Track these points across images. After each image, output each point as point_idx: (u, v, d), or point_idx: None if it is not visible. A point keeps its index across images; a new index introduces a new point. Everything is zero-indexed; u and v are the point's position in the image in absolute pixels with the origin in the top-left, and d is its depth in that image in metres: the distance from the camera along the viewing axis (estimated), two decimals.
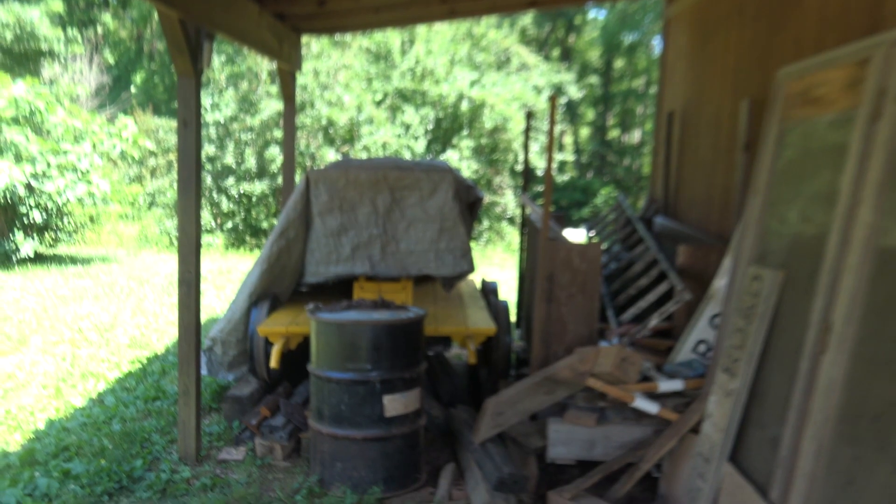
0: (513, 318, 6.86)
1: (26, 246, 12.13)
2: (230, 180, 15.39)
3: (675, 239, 5.34)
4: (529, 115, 6.84)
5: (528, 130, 6.56)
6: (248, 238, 16.03)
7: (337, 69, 15.76)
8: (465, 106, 16.30)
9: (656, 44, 23.70)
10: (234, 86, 15.81)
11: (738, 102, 4.55)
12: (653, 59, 23.90)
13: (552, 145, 4.06)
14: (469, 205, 5.64)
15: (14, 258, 12.15)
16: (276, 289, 5.19)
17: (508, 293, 8.70)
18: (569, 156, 22.60)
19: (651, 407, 3.53)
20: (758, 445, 2.85)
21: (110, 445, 4.46)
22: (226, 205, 15.59)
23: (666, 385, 3.63)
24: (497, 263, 14.33)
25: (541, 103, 17.14)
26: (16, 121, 11.64)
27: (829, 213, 2.63)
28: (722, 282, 3.79)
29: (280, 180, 14.16)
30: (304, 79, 15.09)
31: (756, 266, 3.17)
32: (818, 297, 2.57)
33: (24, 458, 4.29)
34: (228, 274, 11.92)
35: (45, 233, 13.08)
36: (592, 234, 7.55)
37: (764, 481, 2.70)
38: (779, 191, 3.19)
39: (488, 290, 6.08)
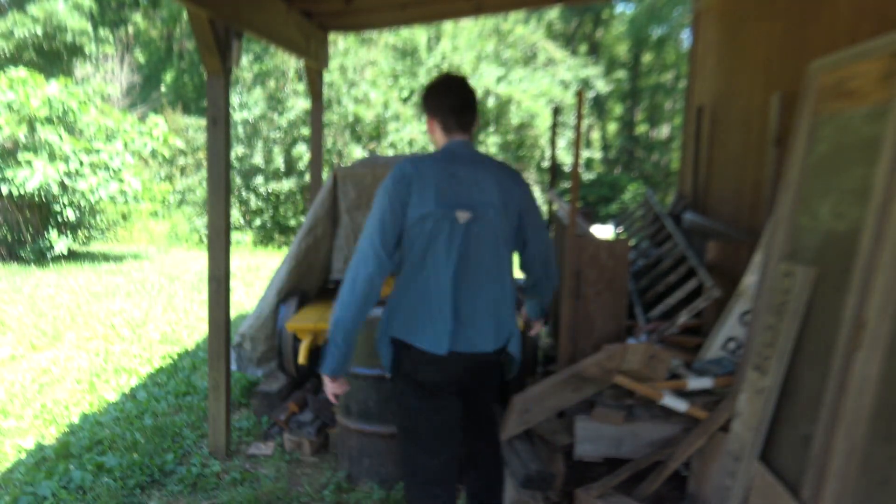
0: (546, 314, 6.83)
1: (60, 243, 12.37)
2: (259, 179, 15.54)
3: (704, 235, 5.28)
4: (556, 111, 6.81)
5: (554, 126, 6.53)
6: (276, 235, 16.19)
7: (363, 66, 15.84)
8: (491, 102, 16.29)
9: (685, 37, 23.46)
10: (262, 84, 15.95)
11: (769, 96, 4.48)
12: (682, 52, 23.66)
13: (579, 141, 4.04)
14: None
15: (48, 255, 12.40)
16: (304, 286, 5.23)
17: None
18: (596, 151, 22.47)
19: (680, 405, 3.50)
20: (789, 444, 2.81)
21: (142, 439, 4.53)
22: (254, 202, 15.75)
23: (695, 383, 3.59)
24: None
25: (568, 98, 17.06)
26: (49, 120, 11.87)
27: (863, 208, 2.58)
28: (752, 278, 3.75)
29: (307, 178, 14.27)
30: (330, 76, 15.18)
31: (787, 262, 3.13)
32: (851, 294, 2.53)
33: (59, 451, 4.38)
34: (257, 271, 12.05)
35: (79, 230, 13.33)
36: (620, 230, 7.50)
37: (795, 480, 2.66)
38: (811, 186, 3.14)
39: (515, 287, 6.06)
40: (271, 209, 15.96)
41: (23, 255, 12.34)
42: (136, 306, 8.86)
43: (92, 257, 13.42)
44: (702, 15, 7.08)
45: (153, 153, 13.42)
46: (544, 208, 15.08)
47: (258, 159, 15.47)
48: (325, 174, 11.92)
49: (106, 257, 13.55)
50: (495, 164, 2.73)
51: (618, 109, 26.30)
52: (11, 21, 19.87)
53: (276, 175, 15.66)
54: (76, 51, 21.07)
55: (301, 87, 15.46)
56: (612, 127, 26.65)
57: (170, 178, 17.72)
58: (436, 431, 2.65)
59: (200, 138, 17.43)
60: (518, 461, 3.62)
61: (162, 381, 5.91)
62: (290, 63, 15.61)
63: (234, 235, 15.49)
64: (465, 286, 2.58)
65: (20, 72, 11.97)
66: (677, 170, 11.53)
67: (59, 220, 12.58)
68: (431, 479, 2.65)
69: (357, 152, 15.33)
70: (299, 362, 4.66)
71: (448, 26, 16.66)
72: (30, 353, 6.86)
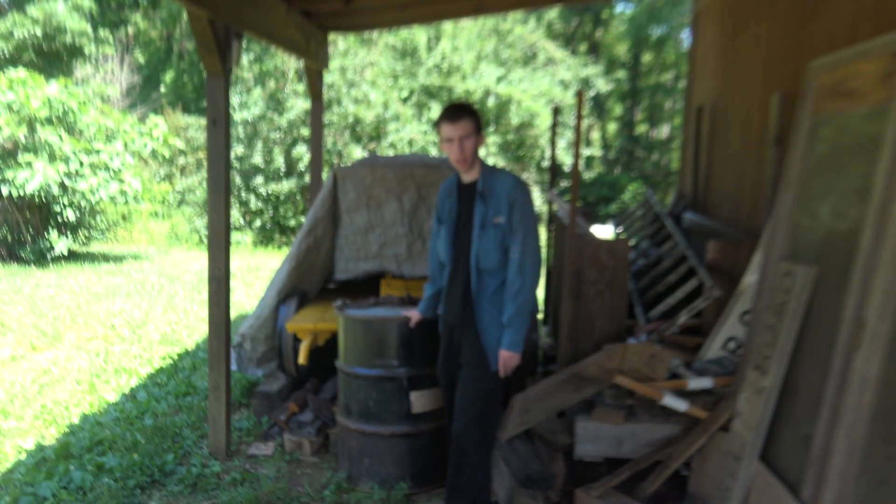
0: (540, 314, 6.84)
1: (60, 244, 12.37)
2: (259, 179, 15.54)
3: (704, 235, 5.28)
4: (556, 111, 6.80)
5: (554, 126, 6.52)
6: (276, 236, 16.18)
7: (363, 66, 15.83)
8: (491, 102, 16.27)
9: (685, 37, 23.46)
10: (262, 84, 15.94)
11: (768, 96, 4.48)
12: (681, 52, 23.65)
13: (579, 141, 4.04)
14: None
15: (49, 256, 12.40)
16: (304, 286, 5.24)
17: None
18: (596, 151, 22.47)
19: (680, 404, 3.50)
20: (789, 444, 2.81)
21: (143, 440, 4.53)
22: (254, 203, 15.74)
23: (695, 382, 3.59)
24: None
25: (568, 98, 17.05)
26: (49, 121, 11.86)
27: (863, 208, 2.58)
28: (752, 278, 3.75)
29: (307, 178, 14.26)
30: (330, 77, 15.17)
31: (787, 262, 3.13)
32: (851, 294, 2.52)
33: (60, 451, 4.38)
34: (257, 271, 12.05)
35: (79, 231, 13.33)
36: (620, 230, 7.50)
37: (795, 480, 2.66)
38: (811, 186, 3.14)
39: None
40: (271, 210, 15.96)
41: (23, 255, 12.34)
42: (136, 307, 8.86)
43: (92, 258, 13.42)
44: (702, 15, 7.08)
45: (153, 153, 13.41)
46: (544, 208, 15.06)
47: (258, 159, 15.46)
48: (325, 174, 11.91)
49: (106, 258, 13.54)
50: None
51: (618, 109, 26.30)
52: (11, 22, 19.86)
53: (276, 175, 15.65)
54: (76, 51, 21.06)
55: (301, 87, 15.46)
56: (612, 127, 26.65)
57: (170, 178, 17.71)
58: None
59: (200, 138, 17.42)
60: (518, 461, 3.62)
61: (162, 381, 5.91)
62: (290, 63, 15.60)
63: (234, 236, 15.49)
64: None
65: (20, 72, 11.96)
66: (677, 170, 11.53)
67: (60, 220, 12.58)
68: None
69: (357, 152, 15.32)
70: (299, 362, 4.66)
71: (448, 26, 16.65)
72: (30, 353, 6.86)
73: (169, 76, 25.70)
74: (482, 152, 15.99)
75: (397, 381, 3.83)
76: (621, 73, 24.87)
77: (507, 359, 3.26)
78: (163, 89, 24.91)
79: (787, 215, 3.27)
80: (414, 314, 3.77)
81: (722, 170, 5.83)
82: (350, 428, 3.96)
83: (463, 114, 3.24)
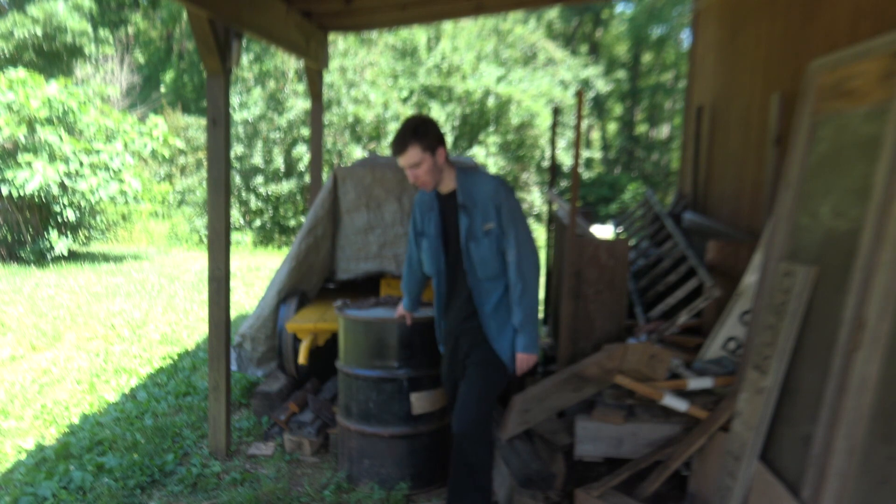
0: (540, 314, 6.83)
1: (60, 244, 12.37)
2: (259, 179, 15.54)
3: (704, 235, 5.28)
4: (556, 111, 6.80)
5: (554, 126, 6.52)
6: (276, 235, 16.18)
7: (363, 66, 15.83)
8: (491, 102, 16.27)
9: (685, 37, 23.47)
10: (262, 84, 15.94)
11: (768, 96, 4.48)
12: (681, 52, 23.65)
13: (579, 141, 4.04)
14: None
15: (49, 256, 12.40)
16: (304, 286, 5.23)
17: None
18: (596, 151, 22.48)
19: (680, 404, 3.49)
20: (789, 444, 2.81)
21: (143, 440, 4.53)
22: (254, 203, 15.75)
23: (695, 382, 3.59)
24: None
25: (568, 99, 17.05)
26: (49, 121, 11.86)
27: (863, 207, 2.58)
28: (752, 278, 3.75)
29: (307, 178, 14.27)
30: (330, 77, 15.17)
31: (787, 262, 3.13)
32: (851, 294, 2.52)
33: (60, 451, 4.38)
34: (257, 271, 12.04)
35: (79, 231, 13.33)
36: (620, 230, 7.50)
37: (795, 480, 2.66)
38: (811, 185, 3.14)
39: None
40: (271, 209, 15.96)
41: (23, 255, 12.34)
42: (136, 307, 8.86)
43: (92, 258, 13.41)
44: (702, 15, 7.08)
45: (153, 153, 13.41)
46: (544, 209, 15.01)
47: (258, 159, 15.46)
48: (325, 174, 11.91)
49: (106, 258, 13.54)
50: None
51: (618, 109, 26.30)
52: (11, 22, 19.87)
53: (275, 175, 15.66)
54: (76, 51, 21.06)
55: (301, 87, 15.46)
56: (612, 127, 26.65)
57: (170, 178, 17.72)
58: None
59: (200, 138, 17.43)
60: (518, 461, 3.62)
61: (162, 381, 5.91)
62: (290, 63, 15.60)
63: (234, 236, 15.49)
64: None
65: (20, 72, 11.96)
66: (677, 170, 11.54)
67: (59, 220, 12.58)
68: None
69: (357, 152, 15.32)
70: (299, 362, 4.65)
71: (448, 26, 16.65)
72: (30, 353, 6.86)
73: (169, 76, 25.71)
74: (481, 152, 16.06)
75: (397, 382, 3.83)
76: (621, 74, 24.87)
77: (523, 360, 3.27)
78: (163, 89, 24.92)
79: (787, 215, 3.27)
80: (405, 313, 3.78)
81: (722, 169, 5.83)
82: (350, 429, 3.95)
83: (406, 144, 3.10)
